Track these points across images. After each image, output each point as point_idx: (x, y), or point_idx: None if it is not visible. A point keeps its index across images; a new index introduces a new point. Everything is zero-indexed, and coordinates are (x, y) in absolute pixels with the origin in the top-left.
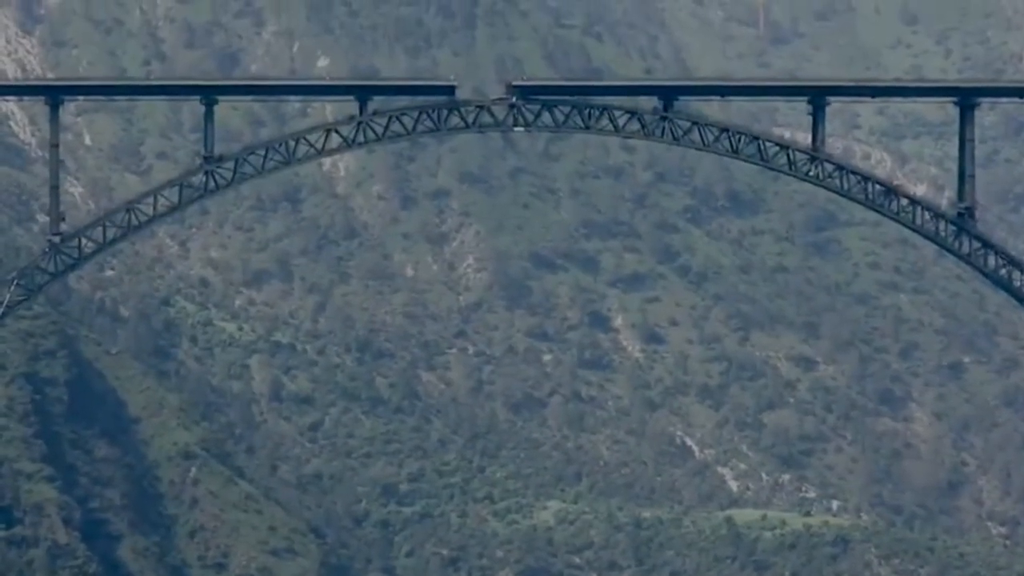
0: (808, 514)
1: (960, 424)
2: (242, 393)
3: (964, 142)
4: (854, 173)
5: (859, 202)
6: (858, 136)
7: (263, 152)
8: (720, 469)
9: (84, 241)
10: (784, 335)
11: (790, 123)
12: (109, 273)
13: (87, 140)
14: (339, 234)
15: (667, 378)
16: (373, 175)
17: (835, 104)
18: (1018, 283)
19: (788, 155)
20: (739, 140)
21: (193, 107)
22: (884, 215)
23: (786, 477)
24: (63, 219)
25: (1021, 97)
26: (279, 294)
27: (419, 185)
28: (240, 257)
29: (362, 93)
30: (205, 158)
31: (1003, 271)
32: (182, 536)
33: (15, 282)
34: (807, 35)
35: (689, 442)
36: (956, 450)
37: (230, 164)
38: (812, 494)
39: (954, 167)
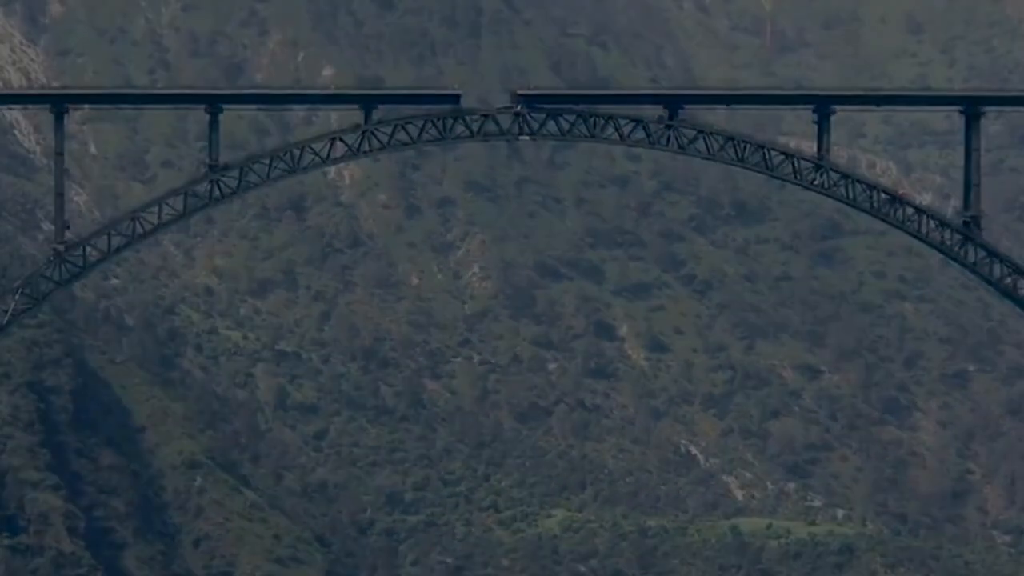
0: (813, 523)
1: (965, 433)
2: (247, 402)
3: (970, 151)
4: (859, 182)
5: (864, 211)
6: (863, 145)
7: (268, 161)
8: (725, 478)
9: (89, 250)
10: (789, 344)
11: (795, 132)
12: (114, 282)
13: (92, 149)
14: (344, 243)
15: (672, 387)
16: (378, 184)
17: (840, 113)
18: (1023, 292)
19: (793, 164)
20: (744, 149)
21: (198, 116)
22: (889, 224)
23: (791, 486)
24: (68, 228)
25: None
26: (284, 303)
27: (424, 194)
28: (245, 266)
29: (367, 102)
30: (210, 167)
31: (1008, 280)
32: (187, 545)
33: (20, 290)
34: (813, 44)
35: (694, 451)
36: (961, 459)
37: (235, 173)
38: (817, 503)
39: (959, 176)
